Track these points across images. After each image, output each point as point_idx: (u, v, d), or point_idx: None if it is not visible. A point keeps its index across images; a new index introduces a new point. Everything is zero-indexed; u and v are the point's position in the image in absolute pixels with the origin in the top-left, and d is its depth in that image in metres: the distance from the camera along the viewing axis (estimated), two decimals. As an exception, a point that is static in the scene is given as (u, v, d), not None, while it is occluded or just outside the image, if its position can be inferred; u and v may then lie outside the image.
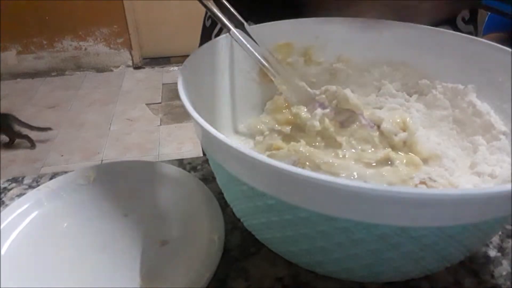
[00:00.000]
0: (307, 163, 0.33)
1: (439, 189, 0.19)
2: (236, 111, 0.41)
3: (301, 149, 0.34)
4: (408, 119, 0.36)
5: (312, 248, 0.26)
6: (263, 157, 0.21)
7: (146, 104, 2.26)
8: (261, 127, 0.40)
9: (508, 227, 0.38)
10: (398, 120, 0.36)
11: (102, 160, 1.82)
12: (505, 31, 0.71)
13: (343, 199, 0.21)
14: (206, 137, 0.25)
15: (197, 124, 0.25)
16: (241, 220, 0.31)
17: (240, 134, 0.40)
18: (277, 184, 0.23)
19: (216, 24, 0.55)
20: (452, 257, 0.26)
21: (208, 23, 0.58)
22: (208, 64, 0.36)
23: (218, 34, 0.54)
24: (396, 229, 0.22)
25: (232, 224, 0.37)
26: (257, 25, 0.40)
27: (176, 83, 0.30)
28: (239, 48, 0.38)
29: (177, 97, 0.27)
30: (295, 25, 0.41)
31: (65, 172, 0.44)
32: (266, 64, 0.37)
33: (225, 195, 0.31)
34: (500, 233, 0.37)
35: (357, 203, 0.21)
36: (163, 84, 2.48)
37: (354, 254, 0.25)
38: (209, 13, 0.57)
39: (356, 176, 0.32)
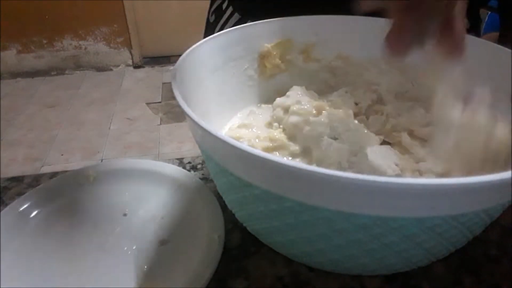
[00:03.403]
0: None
1: (415, 179, 0.19)
2: (232, 109, 0.41)
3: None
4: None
5: (297, 239, 0.26)
6: (246, 147, 0.21)
7: (146, 104, 2.26)
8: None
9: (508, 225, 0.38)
10: None
11: (102, 160, 1.81)
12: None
13: (322, 188, 0.21)
14: (195, 128, 0.25)
15: (188, 117, 0.25)
16: (233, 211, 0.31)
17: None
18: (261, 174, 0.23)
19: (220, 19, 0.55)
20: (436, 251, 0.26)
21: (212, 19, 0.57)
22: (202, 63, 0.36)
23: (221, 29, 0.54)
24: (375, 219, 0.22)
25: (232, 223, 0.37)
26: (257, 22, 0.40)
27: (176, 83, 0.30)
28: (236, 45, 0.38)
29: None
30: (295, 23, 0.41)
31: (65, 171, 0.44)
32: None
33: (217, 187, 0.31)
34: (500, 232, 0.37)
35: (335, 192, 0.21)
36: (163, 83, 2.48)
37: (337, 244, 0.25)
38: (213, 8, 0.57)
39: None
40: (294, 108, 0.36)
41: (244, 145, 0.22)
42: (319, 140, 0.33)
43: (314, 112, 0.35)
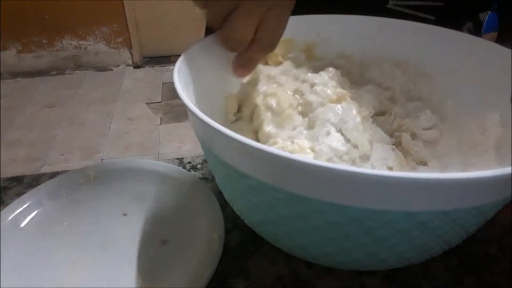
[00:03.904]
0: None
1: (408, 173, 0.19)
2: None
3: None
4: None
5: (292, 231, 0.27)
6: (241, 137, 0.22)
7: (146, 103, 2.26)
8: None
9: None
10: None
11: (102, 159, 1.81)
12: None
13: (314, 179, 0.22)
14: (195, 120, 0.26)
15: (188, 110, 0.25)
16: (231, 204, 0.31)
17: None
18: (255, 164, 0.24)
19: None
20: (428, 247, 0.26)
21: None
22: (204, 60, 0.36)
23: None
24: (366, 211, 0.22)
25: (232, 223, 0.37)
26: None
27: (176, 82, 0.30)
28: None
29: (177, 96, 0.27)
30: (297, 22, 0.41)
31: (65, 171, 0.44)
32: None
33: (216, 181, 0.31)
34: (500, 231, 0.37)
35: (327, 184, 0.21)
36: (163, 83, 2.48)
37: (331, 237, 0.25)
38: None
39: None
40: (317, 88, 0.36)
41: (238, 135, 0.22)
42: (323, 125, 0.33)
43: (334, 98, 0.35)
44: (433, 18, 0.47)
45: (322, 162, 0.20)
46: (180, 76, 0.30)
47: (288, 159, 0.20)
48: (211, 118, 0.24)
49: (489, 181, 0.20)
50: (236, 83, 0.40)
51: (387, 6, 0.47)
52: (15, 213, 0.38)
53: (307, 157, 0.20)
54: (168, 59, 2.71)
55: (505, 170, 0.19)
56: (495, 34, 0.53)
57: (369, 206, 0.22)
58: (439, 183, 0.19)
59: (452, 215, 0.22)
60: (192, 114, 0.25)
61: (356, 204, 0.22)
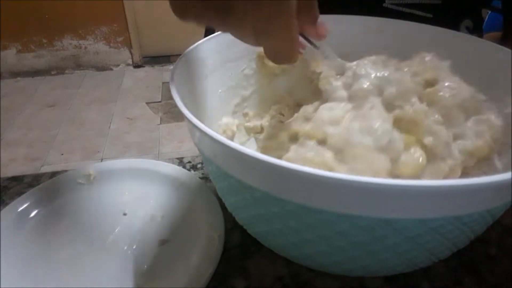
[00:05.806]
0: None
1: (419, 180, 0.19)
2: (229, 109, 0.41)
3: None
4: None
5: (299, 241, 0.26)
6: (247, 150, 0.21)
7: (146, 103, 2.26)
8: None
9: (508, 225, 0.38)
10: None
11: (102, 159, 1.81)
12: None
13: (324, 191, 0.21)
14: (194, 131, 0.25)
15: (187, 120, 0.25)
16: (233, 214, 0.31)
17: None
18: (262, 177, 0.23)
19: None
20: (438, 251, 0.26)
21: None
22: (200, 63, 0.36)
23: None
24: (378, 221, 0.22)
25: (232, 223, 0.37)
26: None
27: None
28: (234, 46, 0.38)
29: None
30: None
31: (65, 171, 0.44)
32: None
33: (217, 190, 0.31)
34: (500, 231, 0.37)
35: (338, 195, 0.21)
36: (163, 83, 2.48)
37: (340, 246, 0.25)
38: None
39: None
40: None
41: (245, 148, 0.21)
42: None
43: None
44: (431, 16, 0.47)
45: (332, 173, 0.19)
46: (176, 81, 0.29)
47: (297, 171, 0.20)
48: (209, 124, 0.23)
49: (503, 184, 0.19)
50: (235, 85, 0.40)
51: (384, 5, 0.47)
52: (15, 213, 0.38)
53: (317, 169, 0.20)
54: (168, 59, 2.71)
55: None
56: (496, 34, 0.53)
57: (382, 216, 0.21)
58: (452, 189, 0.19)
59: (464, 219, 0.22)
60: (190, 124, 0.24)
61: (368, 213, 0.21)
